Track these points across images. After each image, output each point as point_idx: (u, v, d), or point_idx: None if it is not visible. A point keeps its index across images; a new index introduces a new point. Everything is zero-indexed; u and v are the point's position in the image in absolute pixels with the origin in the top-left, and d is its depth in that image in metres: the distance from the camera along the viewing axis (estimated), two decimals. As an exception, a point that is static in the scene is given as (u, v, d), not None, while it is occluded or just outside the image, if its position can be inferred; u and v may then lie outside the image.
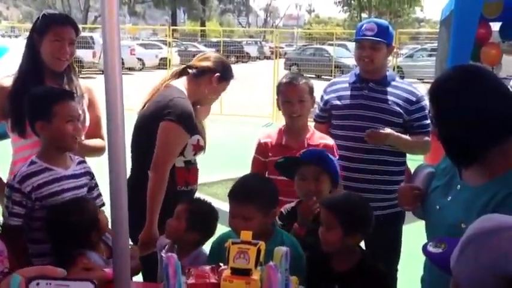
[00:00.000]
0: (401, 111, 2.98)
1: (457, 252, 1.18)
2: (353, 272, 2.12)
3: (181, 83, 2.84)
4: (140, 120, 2.81)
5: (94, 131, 2.82)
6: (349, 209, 2.13)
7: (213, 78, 2.81)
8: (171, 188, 2.71)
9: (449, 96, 1.75)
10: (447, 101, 1.76)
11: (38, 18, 2.78)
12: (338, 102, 3.09)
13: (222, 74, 2.83)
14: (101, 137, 2.83)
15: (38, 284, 0.74)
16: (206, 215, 2.40)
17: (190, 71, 2.87)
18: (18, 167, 2.47)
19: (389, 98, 3.01)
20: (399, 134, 2.95)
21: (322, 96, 3.20)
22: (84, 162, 2.54)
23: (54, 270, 0.75)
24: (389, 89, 3.04)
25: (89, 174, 2.52)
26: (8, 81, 2.70)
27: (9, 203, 2.31)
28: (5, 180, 2.64)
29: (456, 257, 1.18)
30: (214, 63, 2.85)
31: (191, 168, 2.86)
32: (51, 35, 2.67)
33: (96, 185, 2.55)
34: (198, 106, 2.91)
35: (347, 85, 3.13)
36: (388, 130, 2.90)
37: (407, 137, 2.98)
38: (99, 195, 2.55)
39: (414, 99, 3.02)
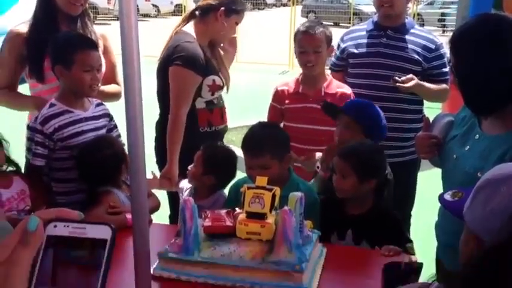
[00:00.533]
0: (420, 59, 2.94)
1: (470, 199, 1.19)
2: (366, 217, 2.16)
3: (191, 27, 2.88)
4: (157, 67, 2.89)
5: (110, 77, 2.84)
6: (362, 156, 2.16)
7: (218, 14, 2.80)
8: (194, 130, 2.79)
9: (470, 47, 1.72)
10: (467, 51, 1.73)
11: None
12: (355, 50, 3.05)
13: (226, 7, 2.80)
14: (117, 83, 2.86)
15: (55, 226, 0.75)
16: (222, 159, 2.44)
17: (197, 13, 2.88)
18: (36, 112, 2.52)
19: (408, 45, 2.96)
20: (423, 82, 2.91)
21: (339, 45, 3.15)
22: (102, 104, 2.60)
23: (71, 213, 0.76)
24: (407, 37, 2.98)
25: (108, 115, 2.59)
26: (23, 28, 2.70)
27: (32, 144, 2.38)
28: (23, 125, 2.69)
29: (468, 203, 1.19)
30: None
31: (214, 109, 2.89)
32: None
33: (116, 126, 2.61)
34: (221, 45, 2.95)
35: (365, 33, 3.07)
36: (413, 78, 2.86)
37: (430, 84, 2.95)
38: (119, 136, 2.61)
39: (433, 46, 2.97)
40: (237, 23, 2.87)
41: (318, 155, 2.62)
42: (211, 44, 2.91)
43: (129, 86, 1.44)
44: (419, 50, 2.95)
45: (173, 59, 2.75)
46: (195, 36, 2.83)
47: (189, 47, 2.76)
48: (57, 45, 2.42)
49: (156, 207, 2.46)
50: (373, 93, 2.94)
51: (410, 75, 2.85)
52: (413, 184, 3.14)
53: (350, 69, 3.08)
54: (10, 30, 2.75)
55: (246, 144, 2.26)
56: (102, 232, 0.74)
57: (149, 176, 2.49)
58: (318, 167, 2.56)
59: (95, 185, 2.37)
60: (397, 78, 2.85)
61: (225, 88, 2.92)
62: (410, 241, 2.16)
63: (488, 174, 1.19)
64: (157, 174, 2.74)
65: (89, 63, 2.39)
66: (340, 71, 3.15)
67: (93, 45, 2.49)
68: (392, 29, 2.98)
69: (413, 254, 2.04)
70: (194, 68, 2.73)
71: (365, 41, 3.04)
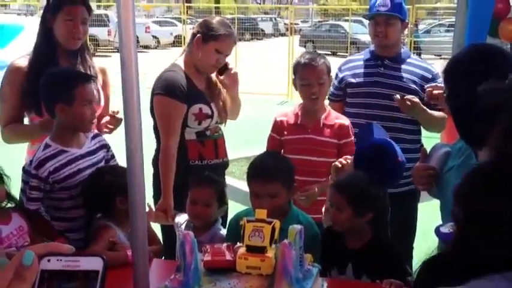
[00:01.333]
0: (417, 88, 2.96)
1: None
2: (365, 250, 2.14)
3: (181, 57, 2.89)
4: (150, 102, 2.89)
5: (104, 111, 2.85)
6: (356, 189, 2.14)
7: (195, 41, 2.78)
8: (183, 162, 2.76)
9: (462, 78, 1.73)
10: (459, 82, 1.74)
11: None
12: (353, 80, 3.07)
13: (202, 34, 2.77)
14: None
15: (49, 260, 0.76)
16: (225, 193, 2.45)
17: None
18: (35, 147, 2.52)
19: (405, 75, 2.98)
20: (424, 107, 2.92)
21: (337, 74, 3.18)
22: (98, 135, 2.59)
23: (63, 247, 0.77)
24: (404, 66, 3.01)
25: (105, 146, 2.58)
26: (23, 62, 2.72)
27: (27, 188, 2.36)
28: (22, 158, 2.69)
29: None
30: (197, 26, 2.85)
31: (206, 141, 2.84)
32: (63, 14, 2.67)
33: (113, 156, 2.61)
34: (217, 76, 2.92)
35: (362, 62, 3.10)
36: (416, 99, 2.85)
37: (430, 111, 2.95)
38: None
39: (430, 76, 3.00)
40: (217, 50, 2.78)
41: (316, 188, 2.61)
42: (208, 78, 2.90)
43: (130, 118, 1.45)
44: (416, 79, 2.98)
45: (155, 89, 2.77)
46: (182, 67, 2.83)
47: (169, 76, 2.77)
48: (55, 82, 2.41)
49: (158, 251, 2.45)
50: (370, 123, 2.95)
51: (413, 96, 2.85)
52: (414, 215, 3.12)
53: (348, 99, 3.10)
54: (11, 63, 2.77)
55: (256, 171, 2.26)
56: (94, 264, 0.76)
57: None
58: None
59: (93, 210, 2.36)
60: (398, 96, 2.85)
61: (216, 119, 2.86)
62: (411, 274, 2.13)
63: None
64: (153, 207, 2.72)
65: (88, 98, 2.40)
66: (338, 101, 3.16)
67: (90, 78, 2.49)
68: (389, 58, 3.01)
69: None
70: (175, 95, 2.71)
71: (362, 70, 3.07)
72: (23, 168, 2.45)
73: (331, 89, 3.18)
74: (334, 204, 2.18)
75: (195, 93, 2.81)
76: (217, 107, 2.88)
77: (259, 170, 2.26)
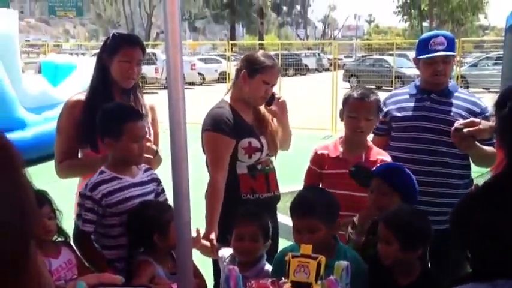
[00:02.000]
0: None
1: None
2: (415, 286, 2.08)
3: (228, 94, 2.97)
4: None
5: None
6: (405, 223, 2.10)
7: (241, 76, 2.85)
8: (235, 196, 2.79)
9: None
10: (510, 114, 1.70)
11: (108, 38, 2.92)
12: (399, 114, 3.04)
13: (248, 69, 2.84)
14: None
15: None
16: (269, 228, 2.43)
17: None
18: (87, 181, 2.59)
19: (453, 109, 2.93)
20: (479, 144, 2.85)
21: (381, 108, 3.16)
22: (150, 169, 2.65)
23: (113, 278, 0.79)
24: (452, 100, 2.97)
25: (156, 180, 2.64)
26: (80, 97, 2.83)
27: (82, 210, 2.43)
28: (71, 193, 2.75)
29: None
30: (241, 62, 2.92)
31: (257, 175, 2.88)
32: (120, 56, 2.78)
33: (163, 191, 2.66)
34: (264, 107, 2.97)
35: (408, 96, 3.08)
36: (474, 121, 2.78)
37: (482, 146, 2.88)
38: (166, 200, 2.64)
39: (478, 110, 2.94)
40: (264, 82, 2.84)
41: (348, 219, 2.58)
42: (255, 109, 2.96)
43: (177, 152, 1.48)
44: (464, 113, 2.92)
45: (204, 125, 2.85)
46: (229, 102, 2.90)
47: (216, 112, 2.84)
48: (106, 117, 2.50)
49: (203, 285, 2.46)
50: (418, 157, 2.91)
51: (472, 119, 2.79)
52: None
53: (393, 133, 3.06)
54: (68, 99, 2.88)
55: (295, 206, 2.26)
56: None
57: (194, 234, 2.49)
58: (350, 233, 2.51)
59: (136, 244, 2.40)
60: (459, 126, 2.78)
61: (267, 152, 2.90)
62: None
63: None
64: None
65: (137, 134, 2.47)
66: (383, 135, 3.13)
67: (140, 115, 2.57)
68: (436, 92, 2.98)
69: None
70: (222, 130, 2.78)
71: (409, 104, 3.04)
72: (79, 192, 2.52)
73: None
74: (381, 237, 2.14)
75: (244, 127, 2.86)
76: (267, 139, 2.91)
77: (298, 204, 2.25)
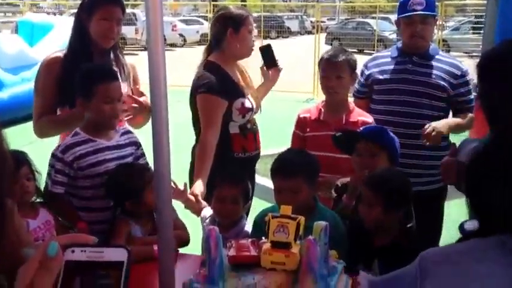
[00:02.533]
0: (445, 85, 2.92)
1: None
2: (392, 247, 2.13)
3: (214, 55, 2.97)
4: (189, 97, 2.99)
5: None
6: (388, 186, 2.14)
7: (228, 35, 2.88)
8: (228, 155, 2.86)
9: (497, 74, 1.70)
10: (494, 78, 1.71)
11: None
12: (380, 77, 3.05)
13: (232, 26, 2.88)
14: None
15: (73, 251, 0.76)
16: (249, 190, 2.47)
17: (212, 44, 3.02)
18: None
19: (434, 71, 2.95)
20: (447, 121, 2.88)
21: (363, 71, 3.16)
22: (129, 132, 2.63)
23: (86, 238, 0.78)
24: (433, 63, 2.98)
25: (135, 144, 2.62)
26: (58, 56, 2.78)
27: (52, 171, 2.42)
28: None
29: None
30: (220, 22, 2.93)
31: (248, 134, 2.95)
32: (99, 15, 2.73)
33: (143, 155, 2.65)
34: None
35: (389, 59, 3.08)
36: (437, 126, 2.77)
37: (454, 120, 2.92)
38: (146, 164, 2.63)
39: (459, 73, 2.96)
40: (249, 32, 2.91)
41: (333, 179, 2.61)
42: (239, 69, 2.97)
43: (157, 115, 1.47)
44: (444, 76, 2.94)
45: (198, 87, 2.86)
46: (219, 64, 2.91)
47: (208, 75, 2.87)
48: (79, 78, 2.47)
49: (184, 241, 2.47)
50: (398, 120, 2.93)
51: (428, 126, 2.77)
52: (440, 214, 3.09)
53: (375, 96, 3.08)
54: (45, 58, 2.83)
55: (278, 167, 2.28)
56: (118, 255, 0.76)
57: (181, 187, 2.51)
58: (335, 196, 2.55)
59: (115, 208, 2.41)
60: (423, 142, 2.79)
61: (254, 110, 2.97)
62: None
63: None
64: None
65: (109, 95, 2.43)
66: (364, 98, 3.15)
67: (114, 76, 2.53)
68: (417, 55, 2.98)
69: None
70: (218, 93, 2.81)
71: (390, 67, 3.04)
72: (52, 153, 2.51)
73: (356, 86, 3.17)
74: (365, 200, 2.17)
75: (235, 87, 2.92)
76: (253, 97, 2.98)
77: (281, 165, 2.28)
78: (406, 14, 2.94)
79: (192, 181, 2.86)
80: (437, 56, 3.02)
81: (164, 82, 1.48)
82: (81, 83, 2.46)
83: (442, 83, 2.93)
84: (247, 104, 2.91)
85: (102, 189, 2.46)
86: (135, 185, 2.34)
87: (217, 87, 2.83)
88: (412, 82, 2.95)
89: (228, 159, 2.83)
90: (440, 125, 2.78)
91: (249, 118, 2.94)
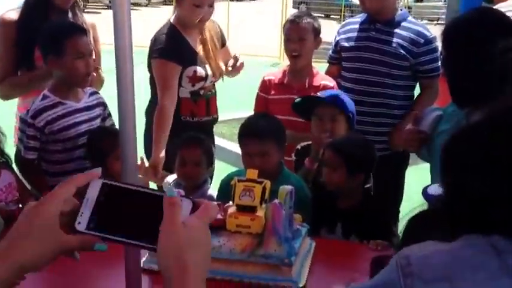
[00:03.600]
0: (406, 54, 2.91)
1: None
2: (355, 210, 2.19)
3: (174, 16, 2.90)
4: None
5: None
6: (353, 150, 2.19)
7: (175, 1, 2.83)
8: (175, 118, 2.80)
9: (462, 40, 1.72)
10: (459, 45, 1.73)
11: None
12: (346, 44, 3.04)
13: None
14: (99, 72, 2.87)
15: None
16: (213, 153, 2.47)
17: None
18: (28, 102, 2.51)
19: (395, 39, 2.92)
20: (409, 115, 2.75)
21: (335, 37, 3.14)
22: (96, 93, 2.59)
23: (92, 174, 0.82)
24: (396, 30, 2.95)
25: (102, 104, 2.58)
26: (13, 14, 2.67)
27: (24, 137, 2.36)
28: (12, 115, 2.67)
29: None
30: None
31: (199, 100, 2.91)
32: None
33: (110, 115, 2.62)
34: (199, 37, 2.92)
35: (357, 26, 3.07)
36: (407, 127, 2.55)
37: (418, 104, 2.91)
38: (113, 125, 2.61)
39: (422, 41, 2.93)
40: (195, 5, 2.75)
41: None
42: (202, 36, 2.91)
43: (122, 77, 1.43)
44: (405, 44, 2.92)
45: (153, 52, 2.83)
46: (178, 28, 2.85)
47: (162, 38, 2.82)
48: (47, 34, 2.39)
49: None
50: (363, 88, 2.94)
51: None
52: (400, 179, 3.15)
53: (343, 63, 3.07)
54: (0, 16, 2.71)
55: (248, 131, 2.30)
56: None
57: (138, 161, 2.49)
58: (296, 159, 2.59)
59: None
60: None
61: (211, 79, 2.91)
62: (397, 236, 2.18)
63: None
64: (146, 162, 2.75)
65: (81, 50, 2.36)
66: (335, 64, 3.14)
67: (83, 30, 2.46)
68: (381, 22, 2.96)
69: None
70: (170, 58, 2.77)
71: (356, 34, 3.03)
72: (20, 117, 2.46)
73: (330, 52, 3.17)
74: (329, 163, 2.21)
75: (190, 53, 2.84)
76: (212, 67, 2.91)
77: (252, 129, 2.30)
78: None
79: (147, 144, 2.84)
80: (403, 23, 2.99)
81: (130, 42, 1.44)
82: (49, 39, 2.37)
83: (403, 51, 2.89)
84: (200, 73, 2.85)
85: (74, 152, 2.43)
86: (104, 146, 2.32)
87: (171, 52, 2.77)
88: (375, 50, 2.93)
89: (175, 122, 2.79)
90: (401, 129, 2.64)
91: (201, 86, 2.89)
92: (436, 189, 1.41)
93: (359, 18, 3.11)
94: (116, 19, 1.40)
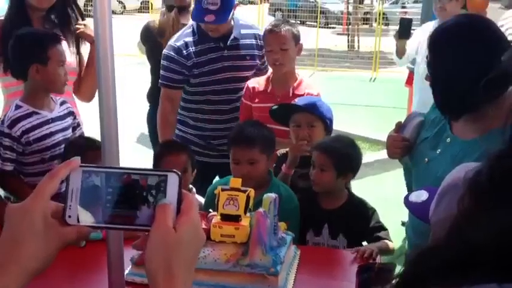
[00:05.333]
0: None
1: (434, 203, 1.18)
2: (341, 210, 2.23)
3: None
4: None
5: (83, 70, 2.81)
6: (341, 150, 2.23)
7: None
8: None
9: (448, 47, 1.72)
10: (445, 50, 1.73)
11: None
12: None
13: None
14: None
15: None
16: (194, 157, 2.47)
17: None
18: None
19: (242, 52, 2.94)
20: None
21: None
22: (65, 102, 2.56)
23: (73, 162, 0.78)
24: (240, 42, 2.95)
25: (72, 114, 2.56)
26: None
27: (0, 148, 2.31)
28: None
29: (433, 208, 1.18)
30: None
31: None
32: None
33: (79, 124, 2.60)
34: None
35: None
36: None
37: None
38: (82, 133, 2.59)
39: (260, 43, 2.95)
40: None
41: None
42: None
43: (104, 86, 1.40)
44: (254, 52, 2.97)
45: None
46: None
47: None
48: (27, 45, 2.37)
49: None
50: None
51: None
52: None
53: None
54: None
55: (236, 138, 2.32)
56: None
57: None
58: (274, 165, 2.58)
59: None
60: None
61: None
62: (385, 229, 2.21)
63: (450, 177, 1.16)
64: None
65: (61, 58, 2.39)
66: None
67: (60, 39, 2.48)
68: (222, 40, 2.90)
69: (391, 241, 2.15)
70: None
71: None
72: None
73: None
74: (317, 164, 2.23)
75: None
76: None
77: (239, 136, 2.31)
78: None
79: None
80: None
81: (111, 50, 1.42)
82: (33, 49, 2.35)
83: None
84: None
85: (51, 163, 2.38)
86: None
87: None
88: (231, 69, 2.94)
89: None
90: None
91: None
92: (417, 196, 1.41)
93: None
94: (97, 28, 1.38)
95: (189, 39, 2.88)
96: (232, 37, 2.90)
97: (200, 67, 2.87)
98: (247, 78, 2.96)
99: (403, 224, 3.14)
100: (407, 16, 3.13)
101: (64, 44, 2.55)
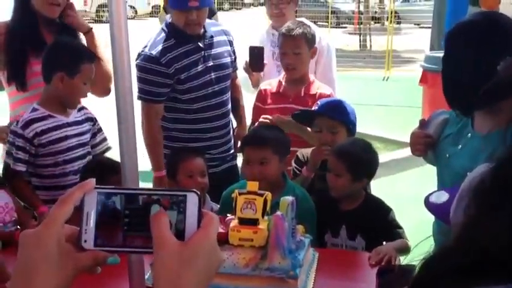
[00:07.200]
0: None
1: (454, 204, 1.17)
2: (359, 211, 2.23)
3: None
4: None
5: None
6: (356, 155, 2.20)
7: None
8: None
9: (463, 43, 1.71)
10: (462, 48, 1.72)
11: None
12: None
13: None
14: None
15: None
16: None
17: None
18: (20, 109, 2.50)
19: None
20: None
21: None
22: (84, 108, 2.57)
23: (87, 184, 0.75)
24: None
25: (91, 120, 2.57)
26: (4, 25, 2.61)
27: (13, 148, 2.33)
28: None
29: (454, 208, 1.17)
30: None
31: None
32: None
33: (100, 130, 2.59)
34: None
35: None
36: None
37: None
38: (104, 139, 2.58)
39: (231, 38, 2.98)
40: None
41: None
42: None
43: (120, 90, 1.41)
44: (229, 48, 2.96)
45: None
46: None
47: None
48: (65, 53, 2.41)
49: None
50: None
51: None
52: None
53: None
54: None
55: (247, 138, 2.36)
56: None
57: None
58: (295, 167, 2.58)
59: None
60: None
61: None
62: (401, 227, 2.20)
63: (471, 176, 1.15)
64: None
65: (90, 76, 2.41)
66: None
67: (95, 60, 2.48)
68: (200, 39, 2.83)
69: (407, 240, 2.14)
70: None
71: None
72: (10, 129, 2.43)
73: None
74: (333, 169, 2.23)
75: None
76: None
77: (251, 137, 2.35)
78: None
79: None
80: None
81: (127, 55, 1.42)
82: (68, 58, 2.38)
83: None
84: None
85: (65, 167, 2.41)
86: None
87: None
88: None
89: None
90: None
91: None
92: (437, 197, 1.39)
93: None
94: (113, 32, 1.38)
95: (166, 44, 2.71)
96: (209, 35, 2.81)
97: (185, 71, 2.71)
98: (229, 77, 2.90)
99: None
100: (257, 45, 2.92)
101: None
